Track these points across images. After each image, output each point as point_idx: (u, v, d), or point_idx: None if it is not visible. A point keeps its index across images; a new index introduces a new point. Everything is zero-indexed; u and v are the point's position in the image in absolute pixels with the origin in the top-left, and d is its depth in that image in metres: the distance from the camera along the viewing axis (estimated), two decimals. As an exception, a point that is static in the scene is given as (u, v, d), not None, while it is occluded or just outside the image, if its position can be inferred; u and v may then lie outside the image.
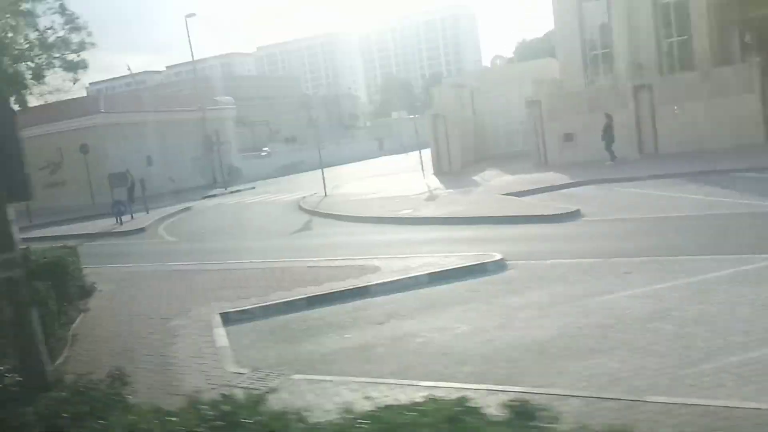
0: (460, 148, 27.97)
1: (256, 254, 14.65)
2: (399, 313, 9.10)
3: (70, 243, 14.01)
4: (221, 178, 45.29)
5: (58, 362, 8.18)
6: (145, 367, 7.73)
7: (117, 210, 24.55)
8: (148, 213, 27.44)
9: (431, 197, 20.80)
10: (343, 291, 10.32)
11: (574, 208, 15.03)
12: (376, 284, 10.44)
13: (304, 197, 27.81)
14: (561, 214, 14.76)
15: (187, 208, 29.53)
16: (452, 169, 27.42)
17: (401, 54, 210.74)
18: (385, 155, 63.30)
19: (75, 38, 13.35)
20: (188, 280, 12.70)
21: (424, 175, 27.13)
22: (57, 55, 12.23)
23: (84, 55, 13.01)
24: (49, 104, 56.00)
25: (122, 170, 29.17)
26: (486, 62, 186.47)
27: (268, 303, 10.10)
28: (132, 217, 25.85)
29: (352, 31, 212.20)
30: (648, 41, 26.25)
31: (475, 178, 24.59)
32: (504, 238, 13.48)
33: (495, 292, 9.50)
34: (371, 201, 21.83)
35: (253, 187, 38.86)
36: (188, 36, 41.65)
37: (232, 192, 37.05)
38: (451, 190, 21.71)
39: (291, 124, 62.37)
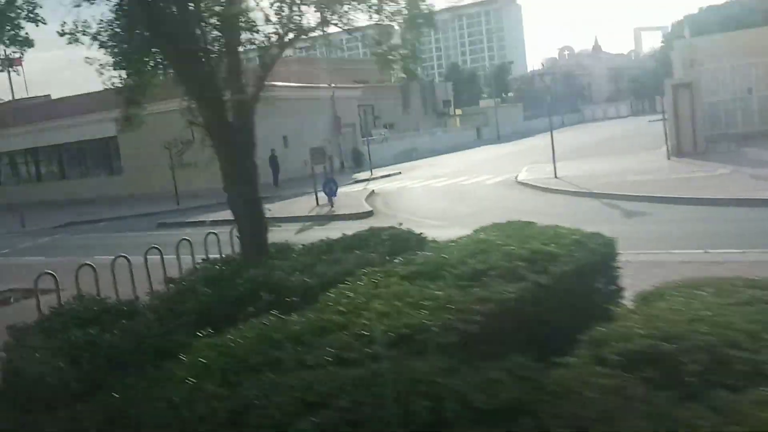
0: (704, 124, 23.73)
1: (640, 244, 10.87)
2: None
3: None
4: (347, 162, 41.64)
5: None
6: None
7: (329, 189, 20.79)
8: (336, 195, 23.71)
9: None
10: None
11: None
12: None
13: (522, 179, 23.72)
14: None
15: (371, 192, 25.80)
16: (697, 149, 23.18)
17: (443, 47, 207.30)
18: (485, 144, 59.20)
19: None
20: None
21: (668, 154, 22.94)
22: None
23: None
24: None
25: (321, 145, 25.51)
26: (528, 54, 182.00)
27: None
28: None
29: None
30: None
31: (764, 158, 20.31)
32: None
33: None
34: (667, 183, 17.72)
35: (399, 172, 34.97)
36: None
37: (383, 177, 33.12)
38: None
39: (389, 110, 58.45)
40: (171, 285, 9.62)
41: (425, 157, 46.91)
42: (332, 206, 20.63)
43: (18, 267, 16.04)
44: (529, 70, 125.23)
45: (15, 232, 25.79)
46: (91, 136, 37.93)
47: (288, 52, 10.12)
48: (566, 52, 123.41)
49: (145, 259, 10.14)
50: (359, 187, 28.65)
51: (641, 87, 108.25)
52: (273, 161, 32.18)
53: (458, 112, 70.05)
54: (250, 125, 9.36)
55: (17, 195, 39.28)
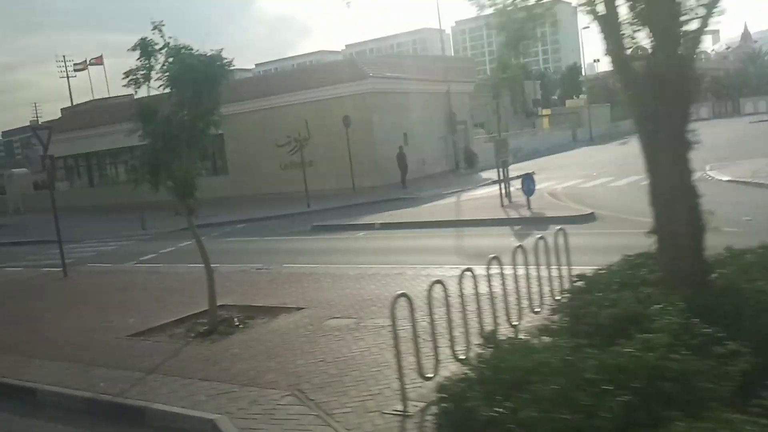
0: None
1: None
2: None
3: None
4: (462, 163, 38.64)
5: None
6: None
7: (527, 187, 17.90)
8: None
9: None
10: None
11: None
12: None
13: (733, 177, 20.31)
14: None
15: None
16: None
17: (493, 51, 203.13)
18: (581, 146, 55.50)
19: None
20: None
21: None
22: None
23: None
24: (290, 70, 50.29)
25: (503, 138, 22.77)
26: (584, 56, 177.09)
27: None
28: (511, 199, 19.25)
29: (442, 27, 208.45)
30: None
31: None
32: None
33: None
34: None
35: (533, 172, 31.76)
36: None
37: (517, 177, 29.92)
38: None
39: (479, 108, 55.20)
40: (563, 312, 6.71)
41: (531, 158, 43.61)
42: (529, 207, 17.64)
43: (186, 276, 13.41)
44: (590, 72, 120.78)
45: (140, 236, 23.47)
46: (191, 134, 35.71)
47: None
48: (639, 52, 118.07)
49: (488, 274, 7.23)
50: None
51: (722, 88, 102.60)
52: (401, 159, 29.35)
53: (546, 111, 66.58)
54: (690, 79, 6.37)
55: (109, 197, 37.34)
